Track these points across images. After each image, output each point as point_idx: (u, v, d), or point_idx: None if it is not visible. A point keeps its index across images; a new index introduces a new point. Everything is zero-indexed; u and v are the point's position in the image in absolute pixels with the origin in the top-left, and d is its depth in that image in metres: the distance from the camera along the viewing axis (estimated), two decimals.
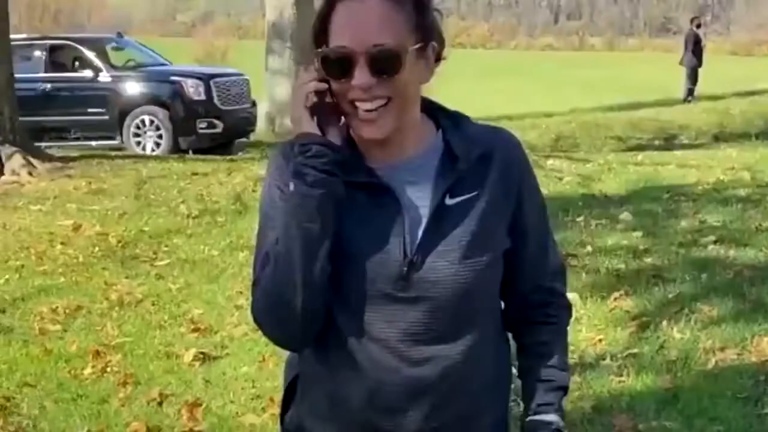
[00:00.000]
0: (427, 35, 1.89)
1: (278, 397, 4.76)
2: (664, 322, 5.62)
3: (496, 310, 2.04)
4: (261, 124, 18.20)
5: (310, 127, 1.84)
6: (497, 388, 2.05)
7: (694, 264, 6.72)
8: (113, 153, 13.72)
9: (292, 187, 1.82)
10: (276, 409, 4.84)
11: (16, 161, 11.74)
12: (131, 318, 6.41)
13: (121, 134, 16.16)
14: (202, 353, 5.65)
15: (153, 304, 6.67)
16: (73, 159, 12.82)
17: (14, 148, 11.90)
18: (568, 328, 2.16)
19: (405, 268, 1.86)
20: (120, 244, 8.27)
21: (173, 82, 16.42)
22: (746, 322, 5.57)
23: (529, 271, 2.04)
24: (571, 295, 6.03)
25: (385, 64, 1.81)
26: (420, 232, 1.88)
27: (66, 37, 19.20)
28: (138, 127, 16.08)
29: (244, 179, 11.04)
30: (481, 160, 1.93)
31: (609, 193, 9.52)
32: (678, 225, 7.96)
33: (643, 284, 6.31)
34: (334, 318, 1.90)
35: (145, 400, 5.07)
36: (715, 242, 7.25)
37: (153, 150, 15.72)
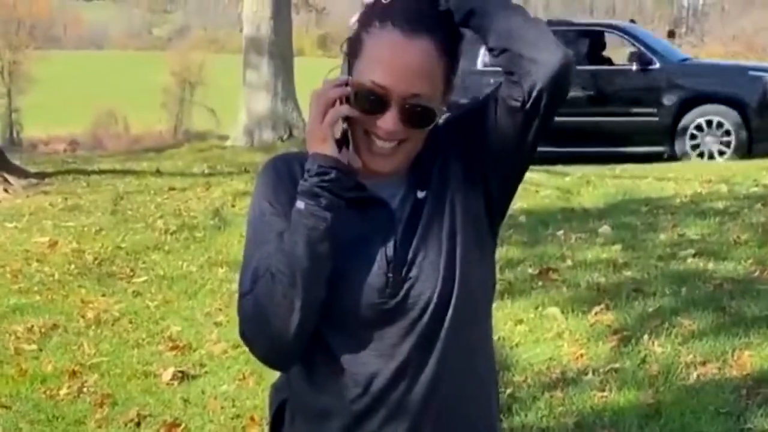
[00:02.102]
0: (456, 70, 1.89)
1: (258, 415, 4.73)
2: (645, 336, 5.59)
3: (482, 306, 2.00)
4: (239, 137, 18.13)
5: (333, 150, 1.81)
6: (486, 395, 2.02)
7: (674, 277, 6.70)
8: (89, 168, 13.59)
9: (302, 206, 1.79)
10: (256, 429, 4.81)
11: None
12: (108, 336, 6.34)
13: (672, 140, 13.76)
14: (180, 372, 5.59)
15: (130, 322, 6.60)
16: (49, 175, 12.73)
17: None
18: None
19: (390, 274, 1.85)
20: (96, 261, 8.20)
21: (755, 78, 13.80)
22: (727, 336, 5.55)
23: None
24: (552, 310, 6.10)
25: (417, 117, 1.82)
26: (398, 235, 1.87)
27: (596, 23, 17.33)
28: (697, 131, 13.63)
29: (223, 194, 10.98)
30: (440, 152, 1.92)
31: (588, 206, 9.50)
32: (657, 238, 7.95)
33: (623, 298, 6.29)
34: (323, 337, 1.88)
35: (122, 421, 5.02)
36: (694, 255, 7.23)
37: (714, 157, 13.46)
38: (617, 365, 5.28)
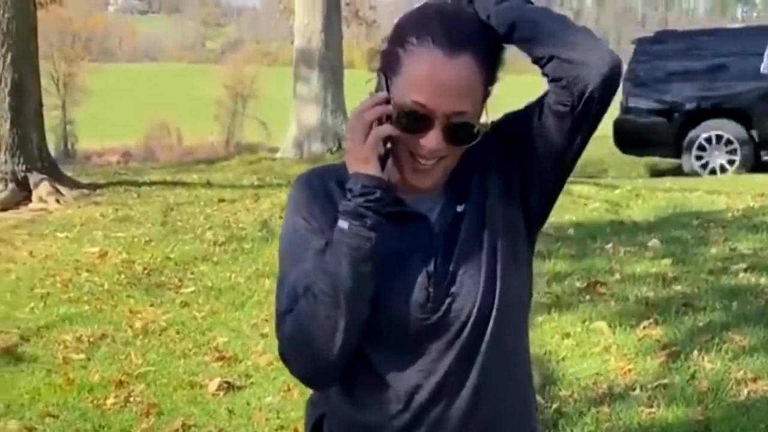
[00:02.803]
0: (494, 83, 1.88)
1: (303, 428, 4.71)
2: (695, 352, 5.50)
3: (521, 317, 1.99)
4: (289, 149, 18.20)
5: (375, 169, 1.79)
6: (525, 408, 2.00)
7: (725, 292, 6.60)
8: (140, 180, 13.71)
9: (345, 226, 1.77)
10: None
11: (43, 188, 11.79)
12: (155, 346, 6.37)
13: None
14: (226, 383, 5.60)
15: (177, 333, 6.64)
16: (101, 186, 12.85)
17: (42, 175, 11.95)
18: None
19: (431, 289, 1.83)
20: (146, 272, 8.26)
21: None
22: None
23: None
24: (600, 324, 6.03)
25: (460, 135, 1.80)
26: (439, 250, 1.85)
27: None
28: None
29: (271, 206, 11.01)
30: (480, 163, 1.91)
31: (637, 219, 9.41)
32: (708, 252, 7.84)
33: (672, 313, 6.20)
34: (364, 353, 1.86)
35: (167, 431, 5.02)
36: (745, 270, 7.12)
37: None
38: (666, 381, 5.19)
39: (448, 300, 1.83)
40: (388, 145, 1.81)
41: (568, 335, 5.97)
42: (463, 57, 1.77)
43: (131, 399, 5.45)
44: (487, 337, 1.84)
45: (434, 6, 1.88)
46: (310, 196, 1.90)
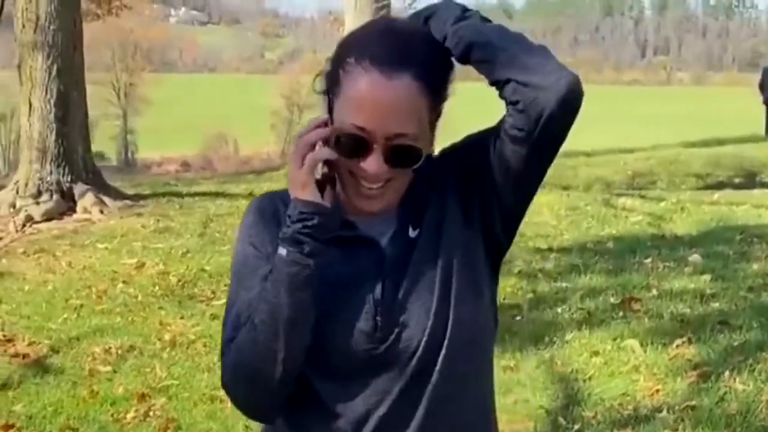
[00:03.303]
0: (441, 104, 1.80)
1: None
2: (727, 372, 5.35)
3: (487, 356, 1.89)
4: None
5: (313, 194, 1.72)
6: None
7: (763, 310, 6.42)
8: (184, 191, 13.75)
9: (283, 253, 1.70)
10: None
11: (88, 199, 11.85)
12: (181, 359, 6.35)
13: None
14: None
15: (204, 345, 6.60)
16: (145, 197, 12.91)
17: (87, 186, 12.01)
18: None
19: (378, 318, 1.75)
20: (180, 283, 8.25)
21: None
22: None
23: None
24: (631, 342, 5.89)
25: (402, 158, 1.73)
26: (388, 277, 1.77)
27: None
28: None
29: None
30: (437, 186, 1.83)
31: (679, 233, 9.22)
32: (749, 268, 7.65)
33: (707, 331, 6.04)
34: (310, 383, 1.79)
35: None
36: None
37: None
38: (694, 402, 5.05)
39: (396, 329, 1.74)
40: (325, 169, 1.74)
41: (597, 353, 5.84)
42: (403, 78, 1.69)
43: (151, 413, 5.42)
44: (437, 368, 1.75)
45: (379, 23, 1.81)
46: (260, 222, 1.83)
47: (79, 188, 11.95)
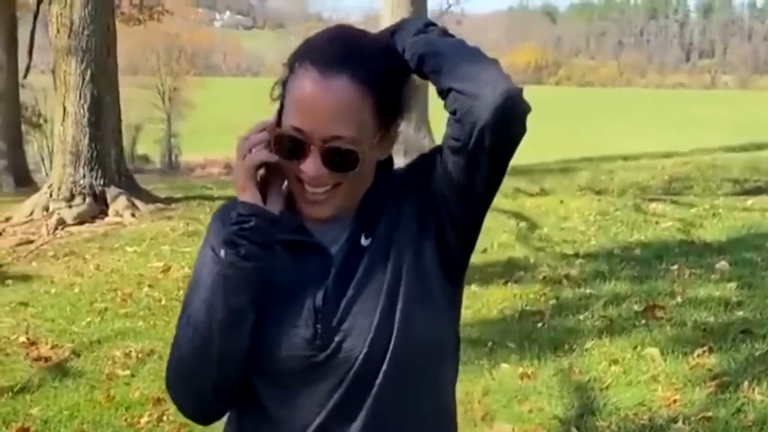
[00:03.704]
0: (396, 114, 1.77)
1: None
2: (746, 383, 5.25)
3: (433, 363, 1.82)
4: None
5: (252, 196, 1.72)
6: None
7: None
8: (215, 194, 13.80)
9: (222, 254, 1.70)
10: None
11: (120, 203, 11.95)
12: None
13: None
14: None
15: None
16: (176, 200, 12.98)
17: (119, 190, 12.12)
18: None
19: (318, 325, 1.72)
20: None
21: None
22: None
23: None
24: (652, 350, 5.80)
25: (340, 160, 1.69)
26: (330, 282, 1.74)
27: None
28: None
29: None
30: (391, 199, 1.79)
31: (709, 240, 9.09)
32: None
33: (729, 340, 5.94)
34: (254, 388, 1.78)
35: None
36: None
37: None
38: (710, 413, 4.96)
39: (337, 338, 1.72)
40: (262, 172, 1.73)
41: (616, 362, 5.76)
42: (340, 79, 1.66)
43: (164, 418, 5.42)
44: (379, 380, 1.71)
45: (333, 30, 1.78)
46: (220, 227, 1.81)
47: (111, 192, 12.05)
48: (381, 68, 1.71)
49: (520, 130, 1.67)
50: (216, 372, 1.71)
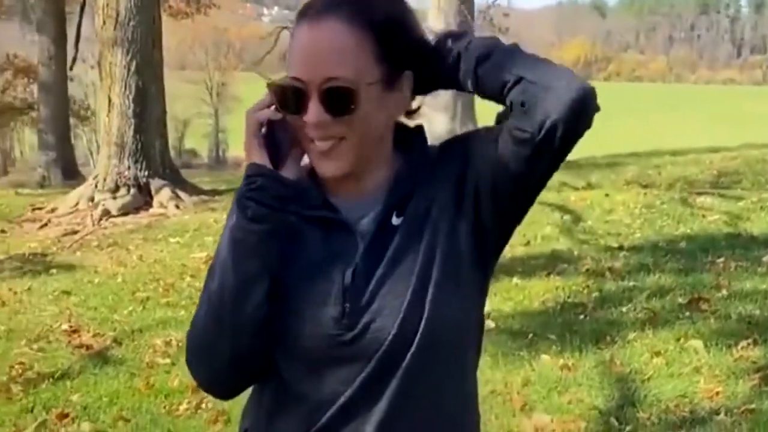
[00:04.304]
0: (402, 64, 1.71)
1: None
2: None
3: (457, 351, 1.77)
4: None
5: (259, 157, 1.69)
6: None
7: None
8: None
9: (234, 219, 1.67)
10: None
11: (164, 194, 12.02)
12: None
13: None
14: None
15: None
16: (220, 192, 13.03)
17: (163, 182, 12.19)
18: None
19: (346, 304, 1.68)
20: None
21: None
22: None
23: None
24: (695, 342, 5.71)
25: (338, 101, 1.64)
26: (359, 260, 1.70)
27: None
28: None
29: None
30: (426, 177, 1.74)
31: (756, 233, 8.92)
32: None
33: None
34: (277, 364, 1.74)
35: None
36: None
37: None
38: (753, 406, 4.87)
39: (365, 319, 1.67)
40: (264, 130, 1.71)
41: (658, 354, 5.68)
42: (328, 21, 1.63)
43: (203, 405, 5.42)
44: (406, 361, 1.67)
45: None
46: None
47: (155, 183, 12.13)
48: (379, 12, 1.67)
49: (587, 127, 1.63)
50: (229, 342, 1.68)
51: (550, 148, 1.62)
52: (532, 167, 1.66)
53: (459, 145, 1.76)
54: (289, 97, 1.67)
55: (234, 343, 1.68)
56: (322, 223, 1.73)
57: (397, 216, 1.72)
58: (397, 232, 1.71)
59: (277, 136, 1.72)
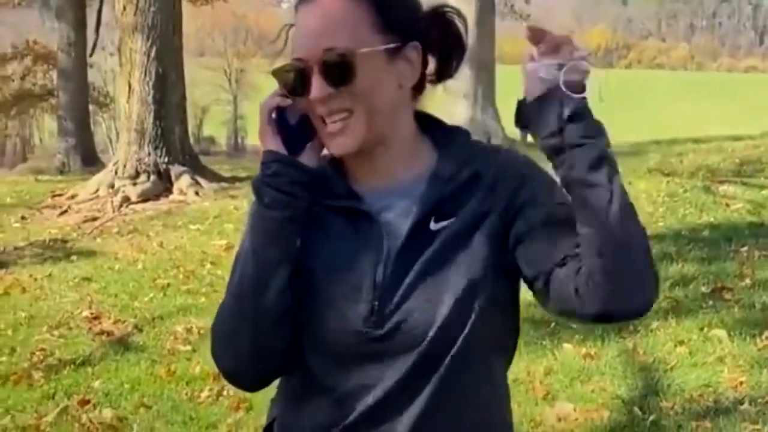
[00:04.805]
0: (405, 35, 1.67)
1: None
2: None
3: (493, 358, 1.75)
4: None
5: (274, 144, 1.67)
6: None
7: None
8: None
9: (253, 207, 1.67)
10: None
11: (184, 181, 12.01)
12: None
13: None
14: None
15: None
16: (241, 179, 13.01)
17: (183, 168, 12.18)
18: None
19: (375, 302, 1.64)
20: None
21: None
22: None
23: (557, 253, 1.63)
24: (719, 332, 5.67)
25: (337, 71, 1.61)
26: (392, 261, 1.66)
27: None
28: None
29: None
30: (471, 181, 1.68)
31: None
32: None
33: None
34: (305, 357, 1.72)
35: (253, 427, 4.96)
36: None
37: None
38: None
39: (396, 318, 1.64)
40: (273, 116, 1.69)
41: (682, 343, 5.64)
42: None
43: (224, 393, 5.41)
44: (445, 364, 1.64)
45: None
46: None
47: (175, 170, 12.12)
48: None
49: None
50: (251, 331, 1.66)
51: (554, 307, 1.65)
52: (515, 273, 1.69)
53: (528, 184, 1.68)
54: (294, 80, 1.65)
55: (256, 332, 1.66)
56: (346, 213, 1.70)
57: (436, 221, 1.67)
58: (436, 237, 1.66)
59: (294, 125, 1.70)
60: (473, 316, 1.63)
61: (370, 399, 1.67)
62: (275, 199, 1.64)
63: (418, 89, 1.74)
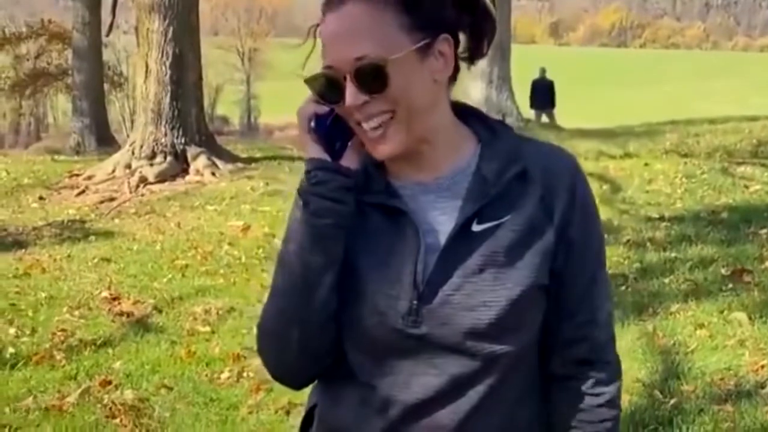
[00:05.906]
0: (434, 28, 1.64)
1: None
2: None
3: (528, 357, 1.75)
4: None
5: (315, 152, 1.66)
6: None
7: None
8: (295, 154, 13.81)
9: (298, 215, 1.65)
10: None
11: (200, 161, 12.02)
12: None
13: None
14: None
15: None
16: (257, 160, 13.02)
17: (200, 149, 12.18)
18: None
19: (415, 301, 1.63)
20: None
21: None
22: None
23: (567, 316, 1.72)
24: (739, 315, 5.65)
25: (371, 79, 1.60)
26: (434, 261, 1.65)
27: None
28: None
29: None
30: (518, 180, 1.67)
31: None
32: None
33: None
34: (345, 353, 1.72)
35: (273, 408, 4.98)
36: None
37: None
38: None
39: (437, 318, 1.64)
40: (312, 124, 1.68)
41: (702, 326, 5.63)
42: (347, 5, 1.60)
43: (244, 374, 5.44)
44: (479, 365, 1.65)
45: None
46: None
47: (192, 150, 12.12)
48: None
49: None
50: (298, 333, 1.66)
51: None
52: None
53: (580, 212, 1.69)
54: (326, 87, 1.64)
55: (303, 334, 1.67)
56: (384, 209, 1.69)
57: (479, 222, 1.66)
58: (481, 239, 1.65)
59: (332, 129, 1.69)
60: (517, 321, 1.64)
61: (401, 402, 1.68)
62: (322, 206, 1.63)
63: (452, 77, 1.74)
